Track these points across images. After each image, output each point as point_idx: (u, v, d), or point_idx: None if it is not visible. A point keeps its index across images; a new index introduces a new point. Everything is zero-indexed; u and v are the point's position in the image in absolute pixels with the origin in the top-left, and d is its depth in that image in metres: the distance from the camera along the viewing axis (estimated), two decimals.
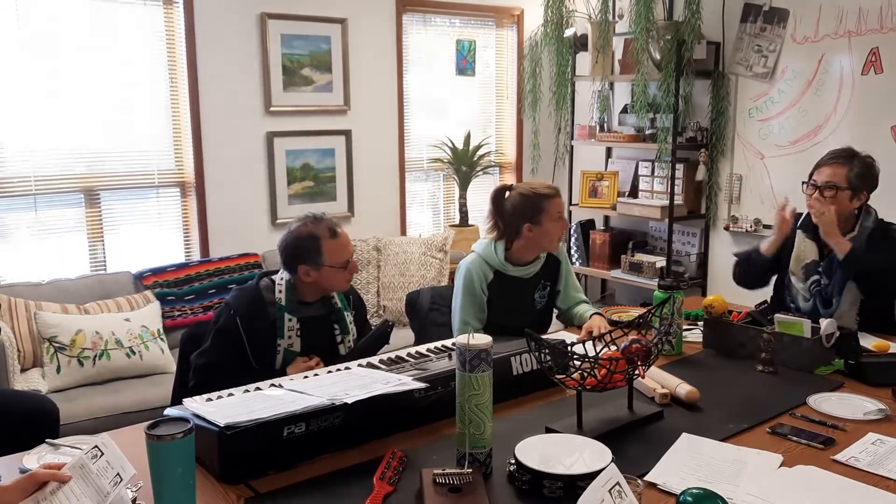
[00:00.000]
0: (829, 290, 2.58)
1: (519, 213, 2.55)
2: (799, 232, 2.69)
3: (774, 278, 2.84)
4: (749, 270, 2.82)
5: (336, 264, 2.24)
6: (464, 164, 4.81)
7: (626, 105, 4.92)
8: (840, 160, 2.58)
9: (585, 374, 1.74)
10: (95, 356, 3.25)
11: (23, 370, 3.23)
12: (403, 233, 4.83)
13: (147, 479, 1.43)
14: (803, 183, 2.68)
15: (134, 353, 3.34)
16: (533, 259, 2.64)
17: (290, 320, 2.23)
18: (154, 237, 4.02)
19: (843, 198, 2.55)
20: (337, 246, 2.24)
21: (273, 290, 2.26)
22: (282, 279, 2.27)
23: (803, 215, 2.72)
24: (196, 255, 4.09)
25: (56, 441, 1.79)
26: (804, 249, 2.66)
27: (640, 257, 4.70)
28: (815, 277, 2.62)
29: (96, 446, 1.49)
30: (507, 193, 2.62)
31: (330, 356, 2.30)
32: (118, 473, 1.42)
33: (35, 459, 1.67)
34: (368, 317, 4.17)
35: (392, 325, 2.40)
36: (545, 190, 2.58)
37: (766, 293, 2.84)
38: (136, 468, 1.45)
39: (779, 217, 2.69)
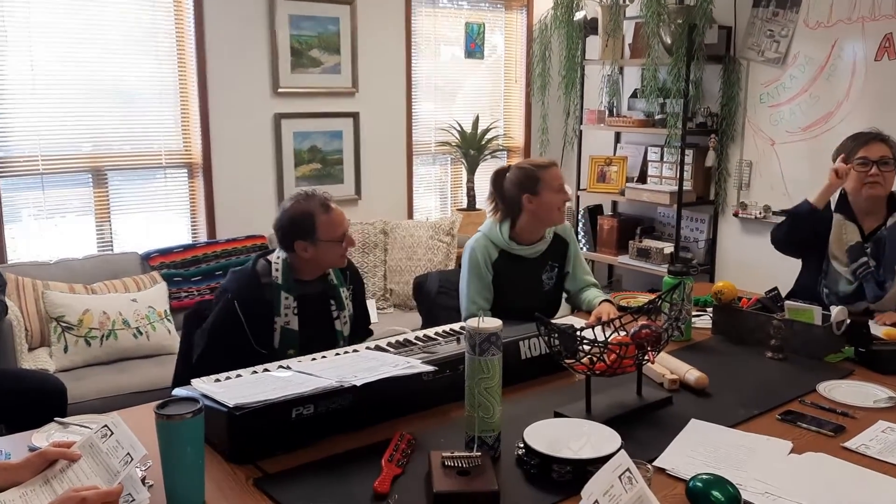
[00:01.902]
0: (880, 272, 2.56)
1: (517, 186, 2.57)
2: (836, 215, 2.66)
3: (800, 266, 2.82)
4: (797, 225, 2.68)
5: (332, 238, 2.23)
6: (472, 147, 4.79)
7: (635, 90, 4.88)
8: (880, 138, 2.62)
9: (595, 359, 1.74)
10: (103, 336, 3.26)
11: (30, 349, 3.24)
12: (410, 216, 4.82)
13: (156, 459, 1.43)
14: (854, 161, 2.59)
15: (141, 333, 3.35)
16: (539, 238, 2.64)
17: (286, 298, 2.22)
18: (161, 218, 4.02)
19: (893, 176, 2.59)
20: (331, 220, 2.24)
21: (269, 271, 2.26)
22: (278, 258, 2.27)
23: (836, 198, 2.70)
24: (203, 237, 4.08)
25: (65, 420, 1.79)
26: (845, 232, 2.63)
27: (648, 243, 4.68)
28: (864, 259, 2.59)
29: (106, 425, 1.49)
30: (507, 174, 2.63)
31: (327, 333, 2.30)
32: (128, 453, 1.41)
33: (44, 438, 1.68)
34: (376, 300, 4.20)
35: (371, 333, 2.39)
36: (541, 161, 2.63)
37: (775, 279, 2.82)
38: (144, 448, 1.45)
39: (840, 168, 2.60)
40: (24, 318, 3.20)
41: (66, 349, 3.20)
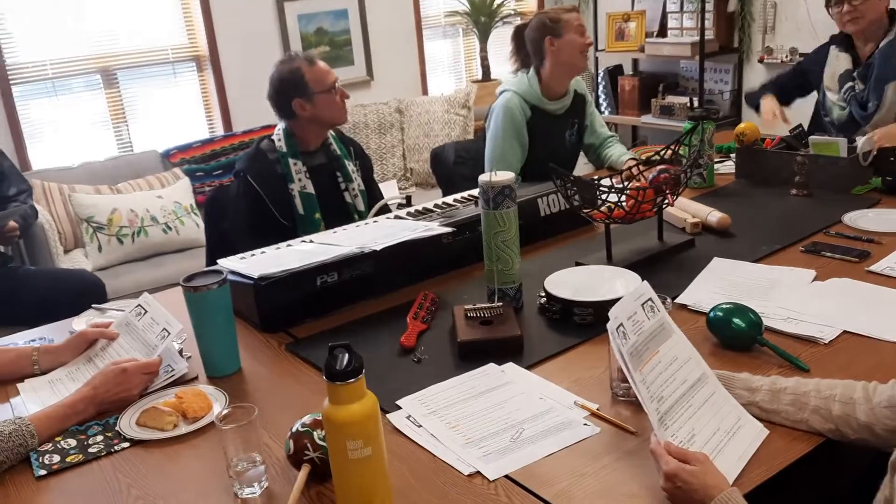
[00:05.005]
0: (865, 94, 2.57)
1: (540, 31, 2.50)
2: (832, 48, 2.69)
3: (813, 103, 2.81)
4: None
5: (323, 88, 2.22)
6: (482, 14, 4.62)
7: None
8: None
9: (613, 206, 1.73)
10: (133, 233, 3.32)
11: (66, 251, 3.32)
12: (425, 93, 4.73)
13: (189, 333, 1.49)
14: (828, 6, 2.62)
15: (170, 228, 3.41)
16: (564, 92, 2.60)
17: (295, 164, 2.23)
18: (176, 114, 3.99)
19: (876, 2, 2.52)
20: (317, 71, 2.23)
21: (273, 147, 2.26)
22: (279, 130, 2.27)
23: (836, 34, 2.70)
24: (219, 130, 4.07)
25: (102, 305, 1.86)
26: (838, 62, 2.66)
27: (672, 100, 4.56)
28: (850, 84, 2.61)
29: (139, 305, 1.55)
30: (527, 26, 2.59)
31: (339, 205, 2.31)
32: (164, 328, 1.47)
33: (84, 322, 1.74)
34: (397, 181, 4.19)
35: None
36: (563, 6, 2.59)
37: (798, 118, 2.76)
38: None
39: (765, 121, 2.73)
40: (54, 222, 3.27)
41: (100, 249, 3.28)
